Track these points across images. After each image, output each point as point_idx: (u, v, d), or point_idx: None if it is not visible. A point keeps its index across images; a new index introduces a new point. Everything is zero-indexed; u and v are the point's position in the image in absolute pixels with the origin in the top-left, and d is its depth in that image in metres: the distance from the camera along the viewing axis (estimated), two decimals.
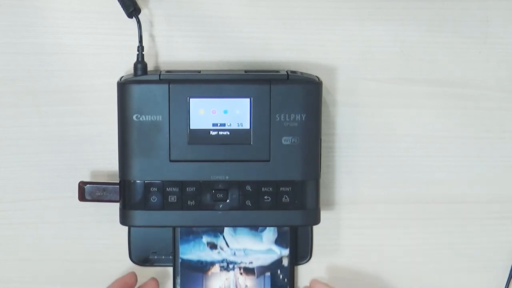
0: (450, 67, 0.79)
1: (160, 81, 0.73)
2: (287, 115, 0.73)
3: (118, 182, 0.75)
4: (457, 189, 0.81)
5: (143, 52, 0.75)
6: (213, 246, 0.78)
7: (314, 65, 0.78)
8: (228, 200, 0.74)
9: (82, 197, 0.76)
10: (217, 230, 0.78)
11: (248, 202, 0.74)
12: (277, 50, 0.78)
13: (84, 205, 0.77)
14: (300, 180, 0.74)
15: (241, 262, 0.78)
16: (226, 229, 0.78)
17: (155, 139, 0.73)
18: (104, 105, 0.77)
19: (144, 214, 0.74)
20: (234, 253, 0.78)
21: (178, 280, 0.78)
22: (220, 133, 0.74)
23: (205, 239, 0.78)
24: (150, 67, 0.76)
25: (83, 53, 0.77)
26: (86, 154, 0.79)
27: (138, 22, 0.75)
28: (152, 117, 0.73)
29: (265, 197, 0.74)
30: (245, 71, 0.75)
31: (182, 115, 0.73)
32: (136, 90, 0.73)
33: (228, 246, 0.78)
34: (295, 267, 0.80)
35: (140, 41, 0.75)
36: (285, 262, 0.78)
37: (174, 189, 0.73)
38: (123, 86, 0.73)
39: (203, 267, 0.78)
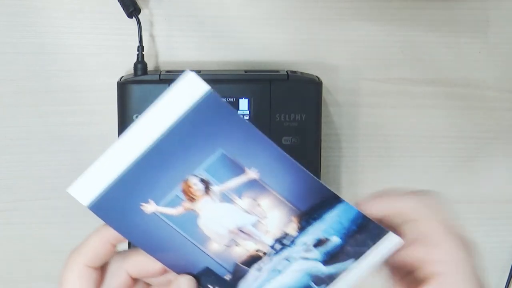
0: (450, 67, 0.79)
1: (160, 81, 0.73)
2: (287, 115, 0.73)
3: None
4: (457, 189, 0.81)
5: (143, 52, 0.75)
6: None
7: (314, 65, 0.78)
8: None
9: None
10: None
11: None
12: (277, 50, 0.78)
13: None
14: None
15: None
16: None
17: None
18: (104, 105, 0.77)
19: None
20: None
21: None
22: None
23: None
24: (150, 67, 0.76)
25: (83, 53, 0.77)
26: (86, 154, 0.79)
27: (138, 22, 0.75)
28: None
29: None
30: (245, 71, 0.75)
31: None
32: (136, 90, 0.73)
33: None
34: None
35: (140, 41, 0.75)
36: None
37: None
38: (123, 86, 0.73)
39: None
